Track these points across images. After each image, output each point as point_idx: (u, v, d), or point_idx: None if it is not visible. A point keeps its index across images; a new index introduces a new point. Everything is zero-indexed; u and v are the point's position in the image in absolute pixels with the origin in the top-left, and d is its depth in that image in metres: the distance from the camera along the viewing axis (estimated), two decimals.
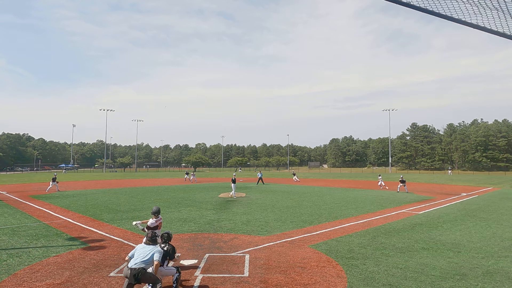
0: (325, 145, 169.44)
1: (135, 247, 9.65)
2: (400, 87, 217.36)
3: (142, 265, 6.00)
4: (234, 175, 26.39)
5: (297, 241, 10.51)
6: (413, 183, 38.76)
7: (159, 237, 7.17)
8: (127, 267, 6.05)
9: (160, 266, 6.54)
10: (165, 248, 6.83)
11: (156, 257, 6.18)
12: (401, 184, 27.76)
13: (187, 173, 49.71)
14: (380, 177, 35.31)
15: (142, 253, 6.19)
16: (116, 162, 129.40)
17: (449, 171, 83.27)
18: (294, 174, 47.87)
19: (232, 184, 24.85)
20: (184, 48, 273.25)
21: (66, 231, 11.94)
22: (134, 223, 8.27)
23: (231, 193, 24.21)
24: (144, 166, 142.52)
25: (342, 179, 50.81)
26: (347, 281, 6.93)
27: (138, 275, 5.89)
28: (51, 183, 28.43)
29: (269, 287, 6.64)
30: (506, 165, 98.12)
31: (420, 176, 65.54)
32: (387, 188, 31.71)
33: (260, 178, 38.67)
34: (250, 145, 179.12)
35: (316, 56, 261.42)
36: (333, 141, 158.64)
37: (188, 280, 7.03)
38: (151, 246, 6.33)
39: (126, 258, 6.42)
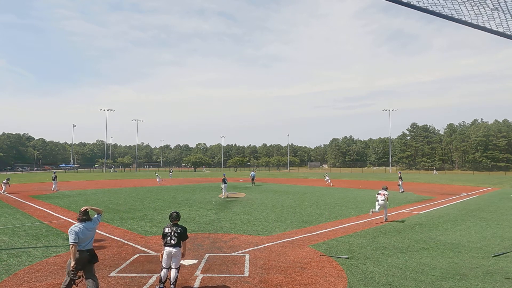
0: (325, 145, 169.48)
1: (136, 247, 9.68)
2: (400, 87, 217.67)
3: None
4: (224, 175, 26.08)
5: (297, 241, 10.51)
6: (413, 183, 38.77)
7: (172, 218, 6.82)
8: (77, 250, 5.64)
9: (178, 248, 6.53)
10: (178, 231, 6.60)
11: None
12: (400, 182, 27.47)
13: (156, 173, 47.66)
14: (326, 174, 40.75)
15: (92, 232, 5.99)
16: (116, 162, 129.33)
17: (434, 171, 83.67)
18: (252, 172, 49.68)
19: (223, 184, 24.00)
20: (185, 48, 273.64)
21: (66, 231, 11.89)
22: None
23: (223, 193, 23.73)
24: (145, 166, 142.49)
25: (342, 179, 50.80)
26: (347, 281, 6.93)
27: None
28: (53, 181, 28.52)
29: (269, 287, 6.64)
30: (506, 165, 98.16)
31: (420, 176, 65.52)
32: (331, 184, 35.79)
33: (253, 178, 38.18)
34: (250, 145, 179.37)
35: (317, 56, 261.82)
36: (333, 141, 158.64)
37: (188, 280, 7.03)
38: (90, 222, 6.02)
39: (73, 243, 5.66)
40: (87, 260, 5.72)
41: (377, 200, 14.01)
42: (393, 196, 24.08)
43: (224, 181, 24.09)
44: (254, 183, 37.40)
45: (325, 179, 37.38)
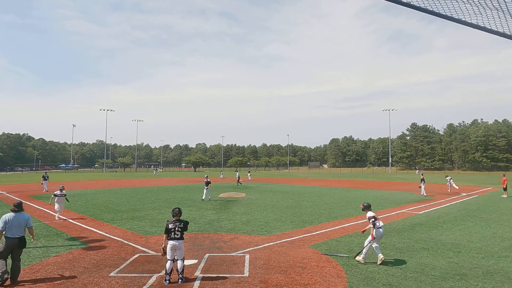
0: (325, 145, 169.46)
1: (136, 247, 9.67)
2: (401, 87, 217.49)
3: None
4: (207, 176, 24.14)
5: (297, 241, 10.50)
6: (413, 183, 38.73)
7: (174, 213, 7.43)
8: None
9: (180, 240, 7.06)
10: (181, 225, 7.18)
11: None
12: (422, 185, 24.90)
13: None
14: (249, 173, 47.58)
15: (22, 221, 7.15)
16: (116, 162, 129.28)
17: (417, 171, 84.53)
18: (243, 172, 49.79)
19: (205, 187, 22.05)
20: (185, 48, 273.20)
21: (66, 231, 11.94)
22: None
23: (204, 196, 21.97)
24: (143, 166, 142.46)
25: (342, 179, 50.79)
26: (347, 281, 6.93)
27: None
28: (43, 182, 28.14)
29: (269, 287, 6.64)
30: (506, 165, 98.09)
31: (419, 176, 65.52)
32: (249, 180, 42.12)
33: (238, 178, 37.52)
34: (250, 145, 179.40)
35: (317, 56, 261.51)
36: (333, 141, 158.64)
37: (188, 280, 7.03)
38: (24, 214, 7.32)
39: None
40: (16, 245, 6.85)
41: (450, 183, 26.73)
42: (393, 196, 24.09)
43: (207, 184, 22.16)
44: (239, 183, 36.68)
45: (248, 177, 44.19)
